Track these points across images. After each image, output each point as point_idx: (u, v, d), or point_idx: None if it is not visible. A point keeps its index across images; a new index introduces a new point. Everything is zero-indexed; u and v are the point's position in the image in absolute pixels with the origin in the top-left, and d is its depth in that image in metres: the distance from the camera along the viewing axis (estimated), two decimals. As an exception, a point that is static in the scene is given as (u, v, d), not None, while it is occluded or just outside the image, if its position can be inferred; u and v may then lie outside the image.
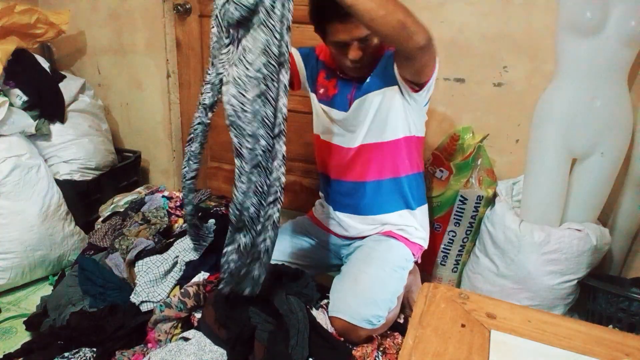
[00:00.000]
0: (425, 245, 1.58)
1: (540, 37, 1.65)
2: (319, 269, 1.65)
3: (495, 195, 1.73)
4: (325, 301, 1.40)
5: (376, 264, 1.40)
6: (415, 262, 1.55)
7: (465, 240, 1.79)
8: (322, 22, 1.30)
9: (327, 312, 1.36)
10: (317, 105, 1.54)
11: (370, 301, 1.31)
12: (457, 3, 1.73)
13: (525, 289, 1.62)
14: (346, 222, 1.55)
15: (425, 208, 1.61)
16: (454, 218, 1.75)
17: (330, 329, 1.31)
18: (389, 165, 1.46)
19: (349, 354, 1.27)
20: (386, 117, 1.40)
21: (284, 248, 1.56)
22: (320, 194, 1.71)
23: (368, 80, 1.40)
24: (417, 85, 1.36)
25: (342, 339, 1.31)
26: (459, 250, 1.81)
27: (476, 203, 1.71)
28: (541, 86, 1.56)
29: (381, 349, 1.34)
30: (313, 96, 1.55)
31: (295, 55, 1.55)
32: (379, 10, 1.07)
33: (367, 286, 1.34)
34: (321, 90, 1.51)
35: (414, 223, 1.54)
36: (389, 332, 1.43)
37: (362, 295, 1.32)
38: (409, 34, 1.11)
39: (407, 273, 1.46)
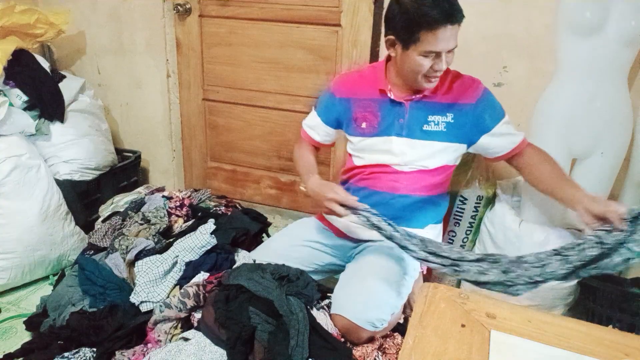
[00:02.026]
0: None
1: (540, 37, 1.65)
2: (321, 274, 1.61)
3: (495, 195, 1.73)
4: (326, 302, 1.39)
5: (386, 268, 1.38)
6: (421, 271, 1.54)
7: (465, 240, 1.79)
8: (418, 31, 1.22)
9: (329, 311, 1.36)
10: (362, 142, 1.45)
11: (375, 304, 1.30)
12: (457, 3, 1.73)
13: (525, 289, 1.61)
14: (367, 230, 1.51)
15: (440, 225, 1.58)
16: (454, 218, 1.75)
17: (331, 329, 1.31)
18: (427, 184, 1.45)
19: (349, 354, 1.27)
20: (443, 159, 1.42)
21: (287, 252, 1.52)
22: None
23: (431, 119, 1.38)
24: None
25: (342, 339, 1.31)
26: (459, 250, 1.81)
27: (476, 203, 1.71)
28: (541, 86, 1.56)
29: (381, 349, 1.34)
30: (356, 138, 1.47)
31: (321, 130, 1.55)
32: None
33: (374, 289, 1.32)
34: (364, 125, 1.43)
35: (432, 235, 1.49)
36: (389, 332, 1.43)
37: (368, 297, 1.31)
38: None
39: (413, 281, 1.45)
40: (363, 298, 1.30)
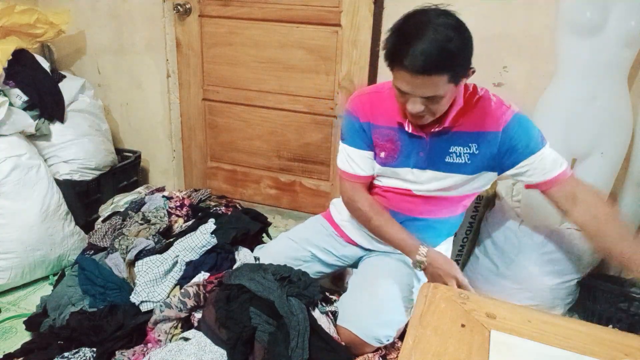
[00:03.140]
0: None
1: (540, 37, 1.65)
2: (326, 274, 1.60)
3: (495, 195, 1.73)
4: (329, 308, 1.37)
5: (396, 282, 1.35)
6: None
7: (465, 240, 1.79)
8: (392, 64, 1.12)
9: (332, 317, 1.35)
10: (380, 169, 1.37)
11: (385, 321, 1.28)
12: (457, 3, 1.73)
13: (525, 289, 1.62)
14: (381, 243, 1.44)
15: (452, 237, 1.54)
16: (454, 218, 1.75)
17: (331, 331, 1.30)
18: (447, 210, 1.39)
19: (349, 357, 1.27)
20: (470, 187, 1.34)
21: (293, 258, 1.49)
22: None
23: (453, 150, 1.26)
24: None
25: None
26: (459, 251, 1.81)
27: (476, 203, 1.71)
28: (541, 86, 1.56)
29: (382, 355, 1.34)
30: (375, 164, 1.37)
31: (364, 159, 1.36)
32: None
33: (384, 305, 1.30)
34: (382, 155, 1.33)
35: (442, 248, 1.46)
36: None
37: (377, 313, 1.29)
38: None
39: (417, 291, 1.43)
40: (372, 314, 1.28)
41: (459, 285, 1.19)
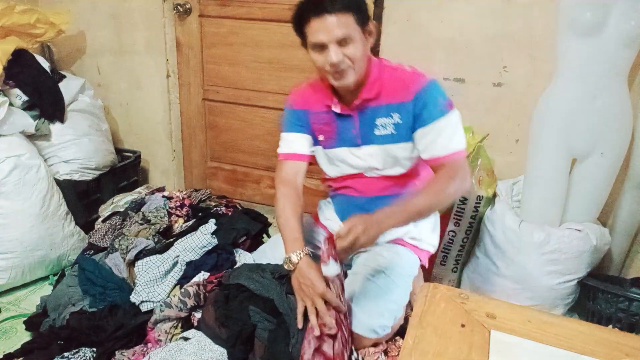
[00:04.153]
0: (434, 250, 1.53)
1: (540, 37, 1.65)
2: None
3: (495, 195, 1.73)
4: None
5: (384, 273, 1.37)
6: (422, 266, 1.52)
7: (465, 240, 1.79)
8: (302, 25, 1.22)
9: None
10: (325, 154, 1.44)
11: (377, 312, 1.29)
12: (457, 3, 1.74)
13: (525, 289, 1.62)
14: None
15: (436, 212, 1.54)
16: (454, 218, 1.75)
17: None
18: (410, 181, 1.42)
19: (349, 353, 1.27)
20: (406, 159, 1.36)
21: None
22: (329, 205, 1.60)
23: (379, 122, 1.32)
24: None
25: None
26: (459, 250, 1.81)
27: (476, 203, 1.71)
28: (541, 86, 1.56)
29: (384, 352, 1.34)
30: (319, 149, 1.44)
31: (301, 140, 1.41)
32: (431, 209, 1.24)
33: (374, 296, 1.31)
34: (322, 137, 1.41)
35: (428, 227, 1.49)
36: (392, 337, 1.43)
37: (368, 305, 1.30)
38: (442, 207, 1.28)
39: (412, 278, 1.44)
40: (364, 307, 1.29)
41: (330, 304, 1.16)
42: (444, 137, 1.26)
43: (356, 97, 1.31)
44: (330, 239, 1.09)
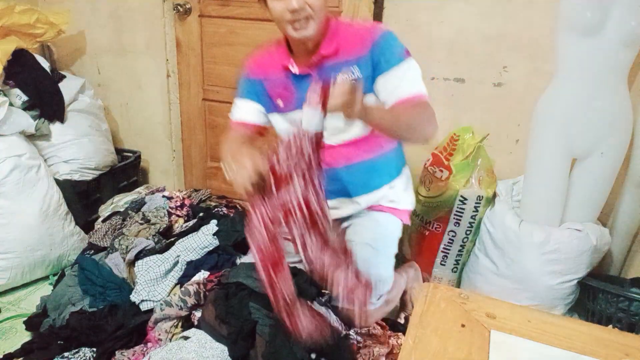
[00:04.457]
0: (412, 207, 1.53)
1: (540, 37, 1.65)
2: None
3: (495, 195, 1.73)
4: (326, 297, 1.39)
5: (369, 244, 1.38)
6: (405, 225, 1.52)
7: (465, 240, 1.79)
8: None
9: (330, 306, 1.36)
10: (285, 120, 1.41)
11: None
12: (457, 3, 1.73)
13: (525, 289, 1.62)
14: (335, 208, 1.43)
15: (407, 169, 1.55)
16: (454, 218, 1.75)
17: (332, 321, 1.31)
18: (374, 146, 1.39)
19: (350, 349, 1.27)
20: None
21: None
22: None
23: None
24: None
25: (349, 331, 1.31)
26: (459, 250, 1.81)
27: (476, 203, 1.71)
28: (541, 86, 1.56)
29: (391, 353, 1.34)
30: (276, 116, 1.42)
31: (252, 109, 1.40)
32: (409, 125, 1.14)
33: (362, 268, 1.32)
34: (281, 103, 1.39)
35: (401, 187, 1.49)
36: (392, 333, 1.43)
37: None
38: (416, 136, 1.16)
39: (397, 239, 1.45)
40: None
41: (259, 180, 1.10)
42: (406, 82, 1.23)
43: (314, 54, 1.28)
44: (326, 87, 0.99)
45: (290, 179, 1.02)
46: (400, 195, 1.49)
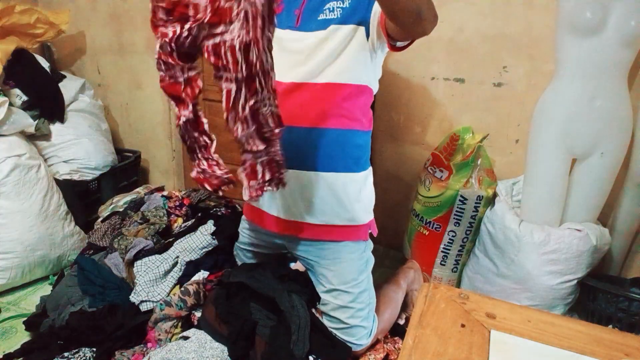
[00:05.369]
0: (372, 216, 1.39)
1: (540, 37, 1.65)
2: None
3: (495, 195, 1.73)
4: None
5: (340, 291, 1.32)
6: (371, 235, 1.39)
7: (465, 240, 1.79)
8: None
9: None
10: None
11: (350, 334, 1.31)
12: (457, 3, 1.74)
13: (525, 289, 1.61)
14: (289, 186, 1.18)
15: (370, 171, 1.39)
16: (454, 218, 1.75)
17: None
18: (345, 112, 1.26)
19: (348, 352, 1.27)
20: (349, 57, 1.21)
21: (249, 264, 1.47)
22: None
23: (327, 6, 1.21)
24: (397, 41, 1.15)
25: None
26: (459, 250, 1.81)
27: (476, 203, 1.71)
28: (541, 86, 1.56)
29: (384, 354, 1.35)
30: None
31: None
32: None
33: (344, 314, 1.31)
34: None
35: (360, 190, 1.33)
36: (389, 337, 1.43)
37: (342, 324, 1.31)
38: (422, 24, 0.98)
39: (369, 254, 1.38)
40: (341, 330, 1.31)
41: None
42: None
43: None
44: None
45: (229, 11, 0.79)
46: (358, 215, 1.33)
